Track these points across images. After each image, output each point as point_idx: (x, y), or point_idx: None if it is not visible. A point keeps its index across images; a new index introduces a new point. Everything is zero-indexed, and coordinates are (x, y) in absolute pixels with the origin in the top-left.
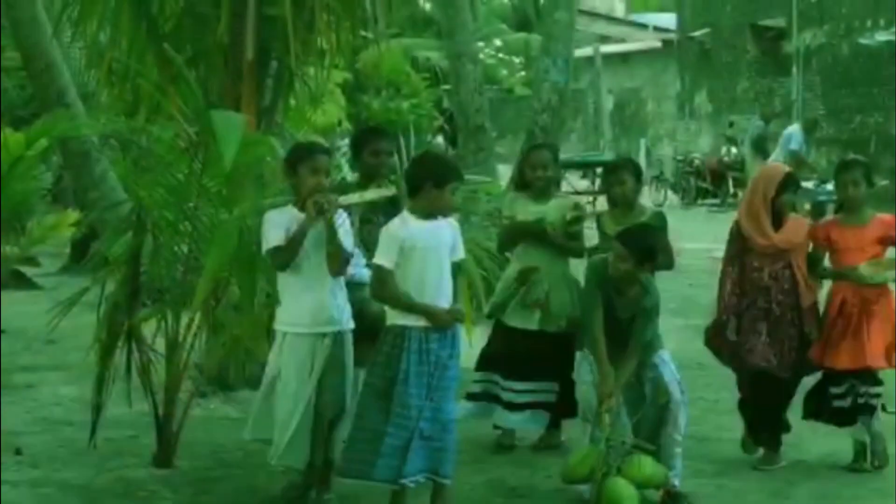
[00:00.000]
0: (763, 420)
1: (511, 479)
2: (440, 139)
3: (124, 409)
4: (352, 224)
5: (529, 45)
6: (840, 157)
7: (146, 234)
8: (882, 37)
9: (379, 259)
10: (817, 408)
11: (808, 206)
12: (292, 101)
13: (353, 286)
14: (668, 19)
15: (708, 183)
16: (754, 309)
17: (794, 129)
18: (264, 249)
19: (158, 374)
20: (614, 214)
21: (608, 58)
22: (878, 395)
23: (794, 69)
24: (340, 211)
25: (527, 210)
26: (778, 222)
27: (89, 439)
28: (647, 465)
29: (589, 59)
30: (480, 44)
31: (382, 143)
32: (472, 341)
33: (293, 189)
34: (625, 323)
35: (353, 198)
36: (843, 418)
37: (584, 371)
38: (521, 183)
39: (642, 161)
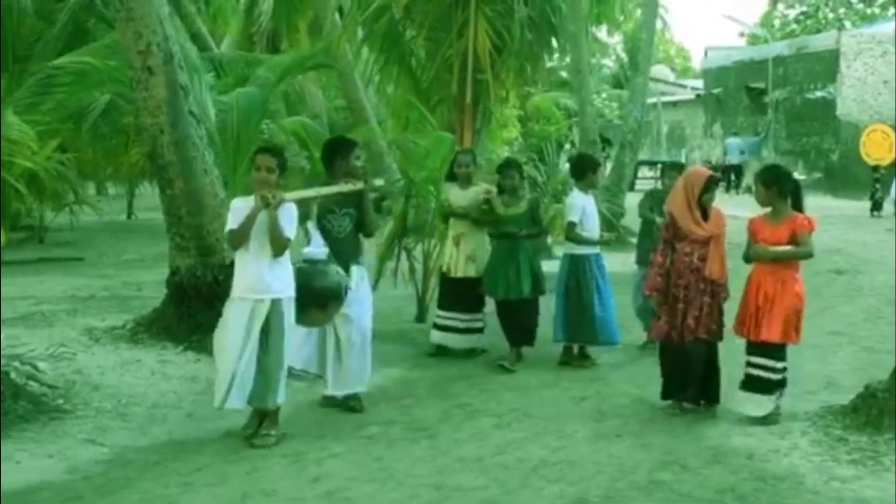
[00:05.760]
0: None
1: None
2: (569, 147)
3: (400, 291)
4: (311, 214)
5: (622, 97)
6: (793, 165)
7: (412, 197)
8: (819, 93)
9: (571, 217)
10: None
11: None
12: (491, 127)
13: (312, 262)
14: (698, 83)
15: (719, 175)
16: (684, 288)
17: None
18: (226, 231)
19: (417, 271)
20: (503, 199)
21: (665, 104)
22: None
23: (770, 111)
24: (289, 204)
25: (456, 194)
26: (704, 215)
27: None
28: None
29: (654, 105)
30: (594, 95)
31: (356, 151)
32: None
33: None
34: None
35: (309, 193)
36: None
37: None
38: (451, 175)
39: (685, 161)
